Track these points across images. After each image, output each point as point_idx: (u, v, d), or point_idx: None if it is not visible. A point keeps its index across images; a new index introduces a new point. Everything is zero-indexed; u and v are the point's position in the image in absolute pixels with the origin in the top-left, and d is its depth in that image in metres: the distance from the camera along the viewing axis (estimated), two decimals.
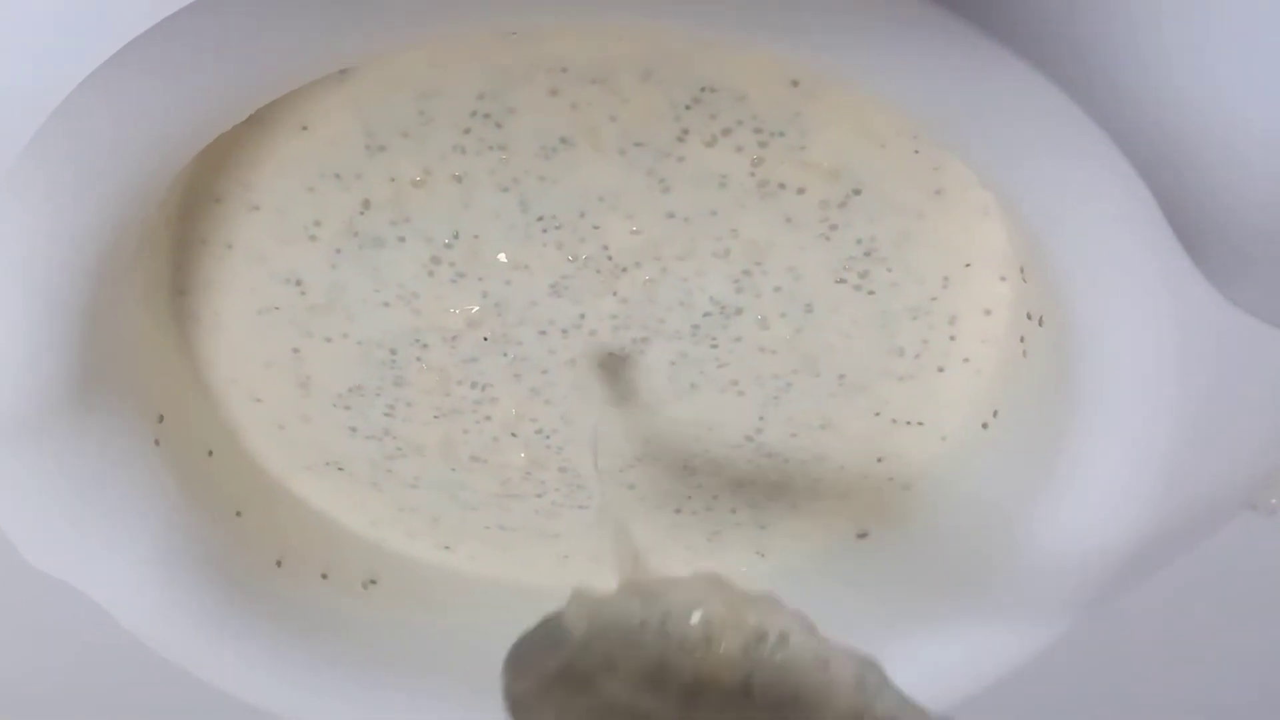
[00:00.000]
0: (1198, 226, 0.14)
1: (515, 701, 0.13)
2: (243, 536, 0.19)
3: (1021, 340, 0.17)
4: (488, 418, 0.19)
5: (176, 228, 0.17)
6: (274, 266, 0.17)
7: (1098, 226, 0.13)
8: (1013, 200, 0.14)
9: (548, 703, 0.13)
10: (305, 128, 0.16)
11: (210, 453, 0.19)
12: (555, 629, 0.14)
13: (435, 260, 0.17)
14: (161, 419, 0.18)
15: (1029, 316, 0.17)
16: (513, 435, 0.19)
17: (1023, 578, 0.18)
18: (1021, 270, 0.17)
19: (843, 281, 0.17)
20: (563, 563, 0.21)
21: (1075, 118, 0.12)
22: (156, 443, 0.17)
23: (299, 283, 0.18)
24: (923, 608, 0.19)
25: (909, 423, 0.19)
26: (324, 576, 0.20)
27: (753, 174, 0.16)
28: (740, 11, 0.12)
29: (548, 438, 0.19)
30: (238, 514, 0.19)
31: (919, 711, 0.13)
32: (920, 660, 0.18)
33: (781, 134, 0.16)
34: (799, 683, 0.13)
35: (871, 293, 0.18)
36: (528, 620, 0.21)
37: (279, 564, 0.19)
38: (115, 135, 0.14)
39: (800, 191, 0.17)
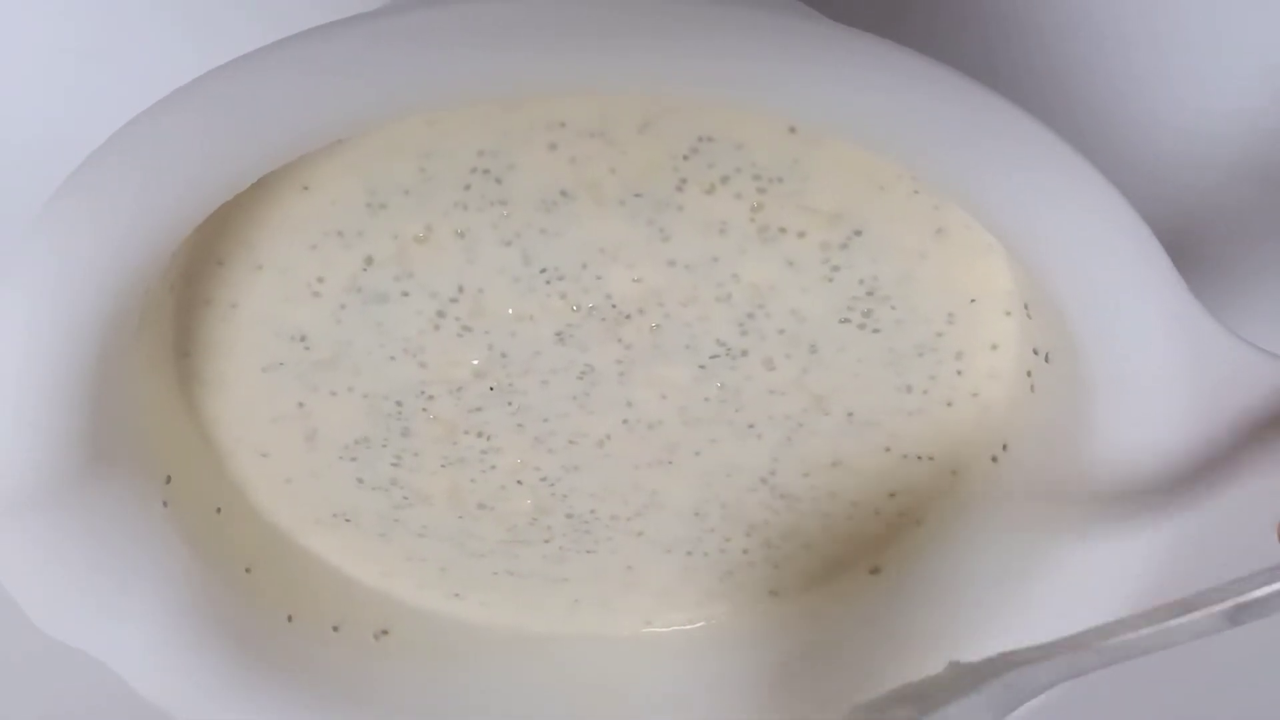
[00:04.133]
0: (1199, 262, 0.14)
1: None
2: (253, 593, 0.19)
3: (1029, 375, 0.17)
4: (493, 467, 0.19)
5: (180, 291, 0.17)
6: (278, 324, 0.17)
7: (1100, 266, 0.13)
8: (1014, 243, 0.14)
9: None
10: (306, 188, 0.16)
11: (218, 510, 0.19)
12: None
13: (440, 314, 0.17)
14: (169, 480, 0.18)
15: (1035, 352, 0.17)
16: (519, 483, 0.19)
17: (1035, 616, 0.17)
18: (1026, 307, 0.17)
19: (847, 321, 0.17)
20: (573, 607, 0.21)
21: (1073, 162, 0.12)
22: (165, 504, 0.17)
23: (303, 339, 0.18)
24: (937, 644, 0.19)
25: (919, 457, 0.19)
26: (335, 629, 0.20)
27: (752, 220, 0.16)
28: (737, 78, 0.12)
29: (553, 485, 0.19)
30: (247, 571, 0.19)
31: None
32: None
33: (780, 180, 0.16)
34: None
35: (877, 331, 0.18)
36: (538, 669, 0.21)
37: (290, 619, 0.19)
38: (121, 209, 0.14)
39: (801, 235, 0.17)
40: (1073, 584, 0.17)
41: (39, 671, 0.20)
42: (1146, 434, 0.15)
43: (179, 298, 0.17)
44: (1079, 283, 0.14)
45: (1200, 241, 0.14)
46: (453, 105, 0.12)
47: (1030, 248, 0.13)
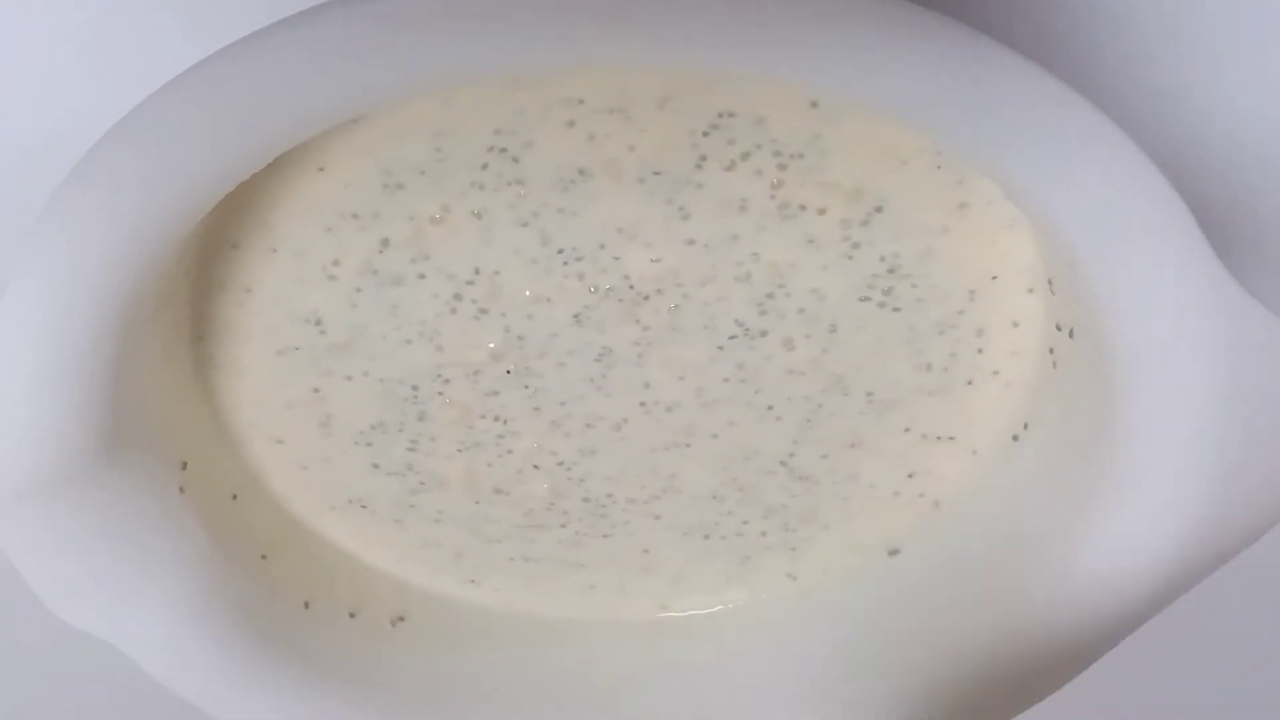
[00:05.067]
0: (1230, 234, 0.14)
1: None
2: (270, 579, 0.19)
3: (1051, 352, 0.17)
4: (510, 451, 0.19)
5: (195, 275, 0.17)
6: (293, 308, 0.17)
7: (1130, 238, 0.13)
8: (1041, 215, 0.13)
9: None
10: (321, 169, 0.16)
11: (234, 496, 0.19)
12: None
13: (457, 297, 0.17)
14: (185, 466, 0.18)
15: (1059, 328, 0.17)
16: (535, 467, 0.19)
17: (1058, 595, 0.17)
18: (1050, 282, 0.16)
19: (867, 300, 0.17)
20: (588, 593, 0.21)
21: (1105, 129, 0.12)
22: (181, 490, 0.17)
23: (319, 322, 0.17)
24: (956, 628, 0.19)
25: (939, 438, 0.19)
26: (352, 615, 0.20)
27: (773, 197, 0.16)
28: (758, 45, 0.12)
29: (569, 469, 0.19)
30: (264, 557, 0.19)
31: None
32: (954, 683, 0.18)
33: (801, 156, 0.16)
34: None
35: (897, 309, 0.17)
36: (554, 655, 0.20)
37: (307, 605, 0.19)
38: (134, 192, 0.13)
39: (821, 212, 0.16)
40: (1098, 566, 0.17)
41: (54, 659, 0.20)
42: (1176, 410, 0.15)
43: (194, 282, 0.17)
44: (1108, 254, 0.13)
45: (1232, 214, 0.14)
46: (468, 81, 0.12)
47: (1058, 218, 0.13)
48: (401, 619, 0.20)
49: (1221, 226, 0.13)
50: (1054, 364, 0.17)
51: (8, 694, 0.20)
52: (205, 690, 0.18)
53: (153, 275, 0.15)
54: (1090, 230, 0.13)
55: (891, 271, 0.17)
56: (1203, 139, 0.13)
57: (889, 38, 0.12)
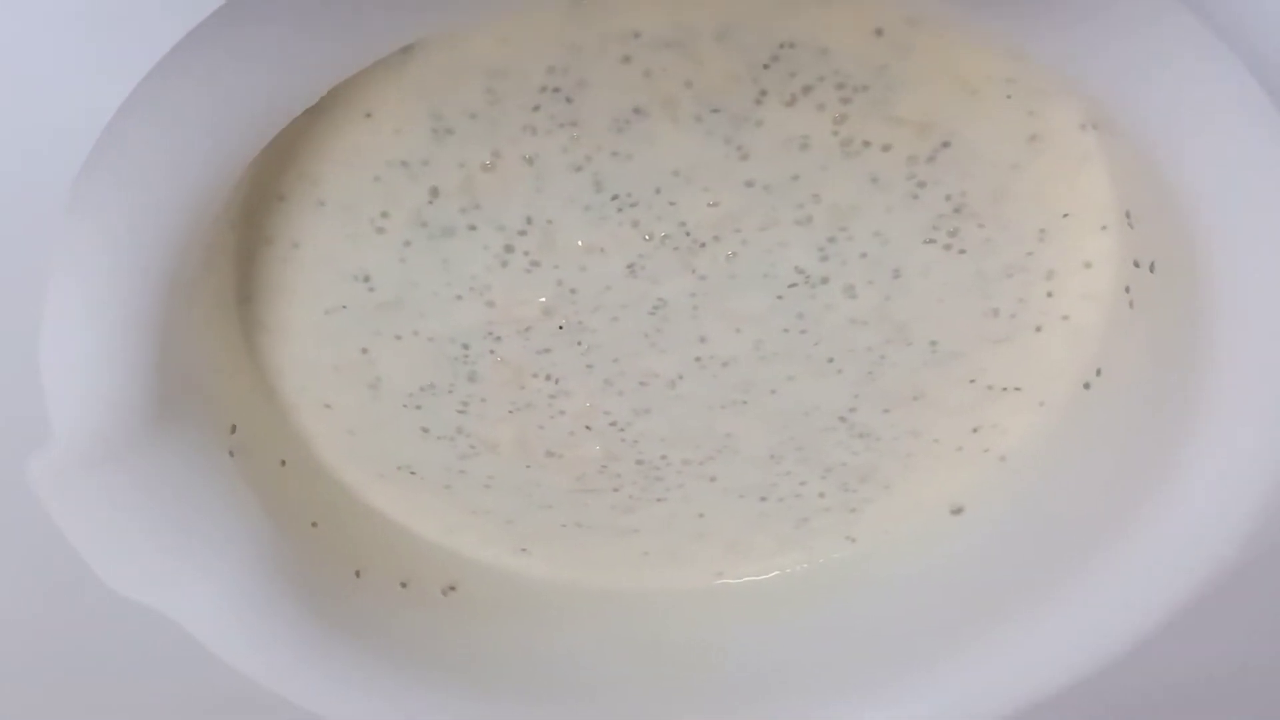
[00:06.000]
0: None
1: None
2: (321, 548, 0.19)
3: (1127, 291, 0.16)
4: (562, 412, 0.18)
5: (242, 229, 0.17)
6: (341, 264, 0.17)
7: (1223, 155, 0.13)
8: (1128, 135, 0.13)
9: None
10: (369, 115, 0.16)
11: (283, 463, 0.18)
12: None
13: (508, 249, 0.17)
14: (234, 429, 0.17)
15: (1136, 264, 0.16)
16: (587, 428, 0.19)
17: (1131, 554, 0.17)
18: (1128, 214, 0.16)
19: (932, 242, 0.17)
20: (642, 560, 0.20)
21: (1203, 40, 0.11)
22: (231, 454, 0.17)
23: (367, 279, 0.17)
24: (1022, 589, 0.18)
25: (1005, 389, 0.18)
26: (403, 585, 0.19)
27: (835, 133, 0.16)
28: None
29: (622, 430, 0.19)
30: (314, 525, 0.19)
31: None
32: (1021, 646, 0.17)
33: (866, 88, 0.15)
34: None
35: (963, 252, 0.17)
36: (608, 624, 0.20)
37: (358, 574, 0.19)
38: (181, 133, 0.13)
39: (886, 149, 0.16)
40: (1174, 526, 0.16)
41: (104, 631, 0.20)
42: (1270, 351, 0.14)
43: (240, 236, 0.17)
44: (1197, 175, 0.13)
45: None
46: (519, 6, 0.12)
47: (1144, 136, 0.13)
48: (453, 588, 0.20)
49: None
50: (1130, 304, 0.16)
51: (60, 667, 0.20)
52: (257, 660, 0.18)
53: (198, 228, 0.14)
54: (1179, 146, 0.13)
55: (958, 211, 0.16)
56: None
57: None
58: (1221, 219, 0.13)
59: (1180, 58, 0.11)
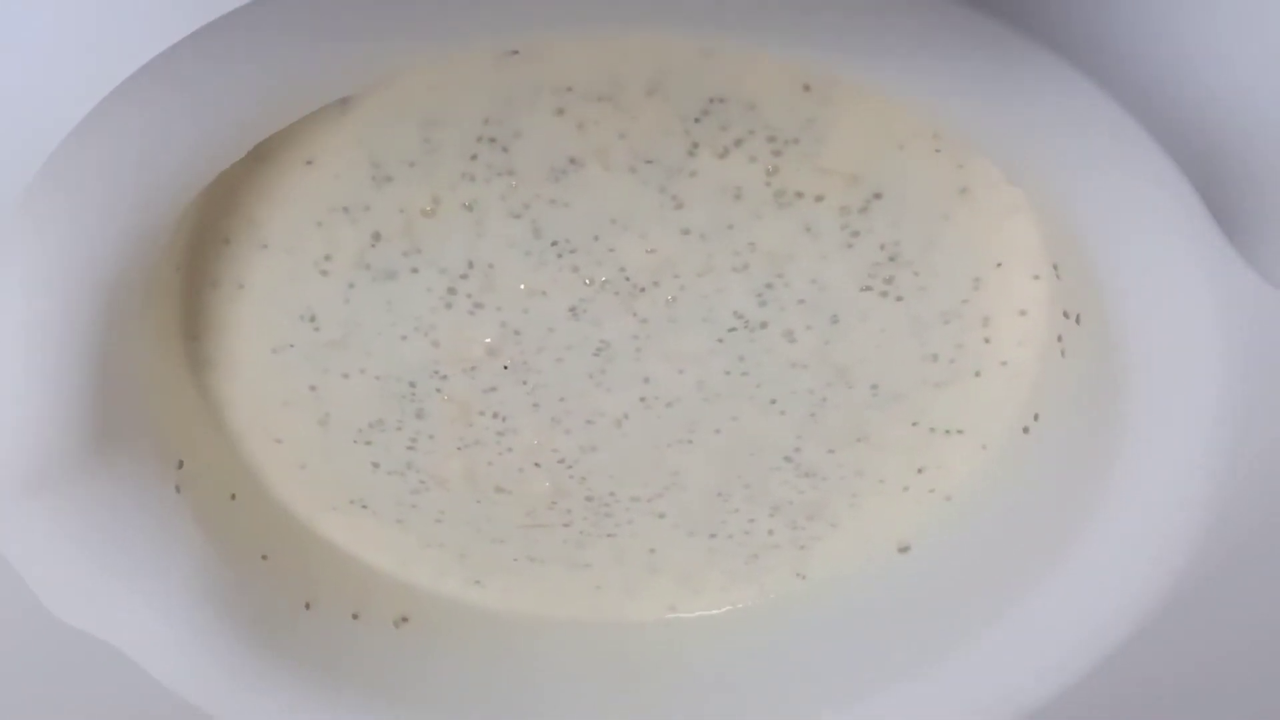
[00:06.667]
0: (1238, 214, 0.13)
1: None
2: (270, 580, 0.19)
3: (1059, 340, 0.17)
4: (510, 449, 0.19)
5: (186, 271, 0.17)
6: (287, 304, 0.17)
7: (1135, 218, 0.13)
8: (1045, 198, 0.13)
9: None
10: (310, 162, 0.16)
11: (233, 496, 0.19)
12: None
13: (451, 291, 0.17)
14: (181, 465, 0.17)
15: (1066, 315, 0.16)
16: (536, 465, 0.19)
17: (1070, 587, 0.17)
18: (1055, 267, 0.16)
19: (869, 289, 0.17)
20: (595, 594, 0.21)
21: (1107, 108, 0.12)
22: (177, 489, 0.17)
23: (313, 319, 0.17)
24: (968, 623, 0.18)
25: (948, 431, 0.18)
26: (355, 617, 0.20)
27: (768, 184, 0.16)
28: (752, 19, 0.11)
29: (570, 467, 0.19)
30: (264, 557, 0.19)
31: None
32: (967, 679, 0.18)
33: (796, 141, 0.16)
34: None
35: (900, 299, 0.17)
36: (562, 656, 0.20)
37: (308, 606, 0.19)
38: (115, 174, 0.13)
39: (819, 199, 0.16)
40: (1109, 559, 0.16)
41: (50, 657, 0.20)
42: (1186, 394, 0.14)
43: (185, 278, 0.17)
44: (1113, 235, 0.13)
45: (1240, 194, 0.14)
46: (453, 50, 0.12)
47: (1060, 198, 0.13)
48: (405, 620, 0.20)
49: (1229, 207, 0.13)
50: (1063, 352, 0.17)
51: (7, 694, 0.20)
52: (208, 691, 0.18)
53: (139, 264, 0.14)
54: (1094, 210, 0.13)
55: (893, 259, 0.17)
56: (1209, 117, 0.13)
57: (887, 14, 0.11)
58: (1133, 280, 0.13)
59: (1088, 130, 0.12)
